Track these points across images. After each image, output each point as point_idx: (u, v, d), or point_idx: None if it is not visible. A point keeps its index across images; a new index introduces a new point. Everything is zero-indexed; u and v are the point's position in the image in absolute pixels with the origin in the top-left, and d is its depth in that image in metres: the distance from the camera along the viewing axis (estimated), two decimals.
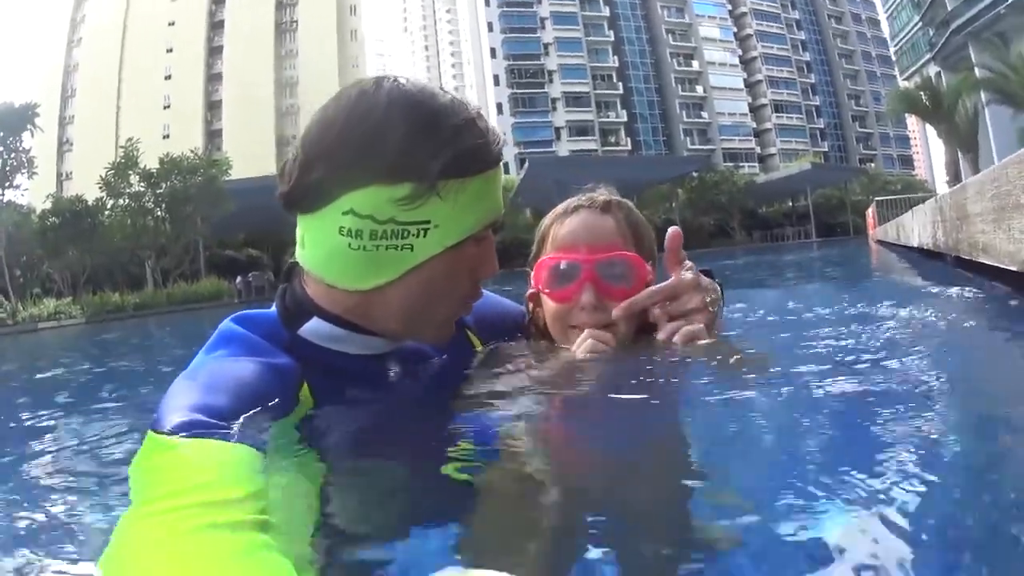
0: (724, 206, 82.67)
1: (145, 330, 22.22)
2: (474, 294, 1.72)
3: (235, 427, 1.22)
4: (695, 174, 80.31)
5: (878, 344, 2.33)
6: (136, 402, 4.53)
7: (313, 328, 1.62)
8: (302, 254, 1.62)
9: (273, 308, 1.68)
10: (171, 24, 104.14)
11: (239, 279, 50.90)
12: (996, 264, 4.48)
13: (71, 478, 2.32)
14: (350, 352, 1.65)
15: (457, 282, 1.63)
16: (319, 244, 1.56)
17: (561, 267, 2.04)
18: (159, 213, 50.08)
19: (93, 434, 3.35)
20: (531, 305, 2.23)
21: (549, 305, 2.09)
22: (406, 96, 1.52)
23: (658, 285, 1.96)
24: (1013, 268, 3.98)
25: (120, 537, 0.97)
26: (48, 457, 2.84)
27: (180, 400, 1.26)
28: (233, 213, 49.93)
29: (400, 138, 1.47)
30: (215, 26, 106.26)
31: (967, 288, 4.65)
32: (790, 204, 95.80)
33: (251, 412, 1.31)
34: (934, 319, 3.06)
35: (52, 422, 4.10)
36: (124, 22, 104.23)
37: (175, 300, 42.57)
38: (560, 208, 2.18)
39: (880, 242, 24.06)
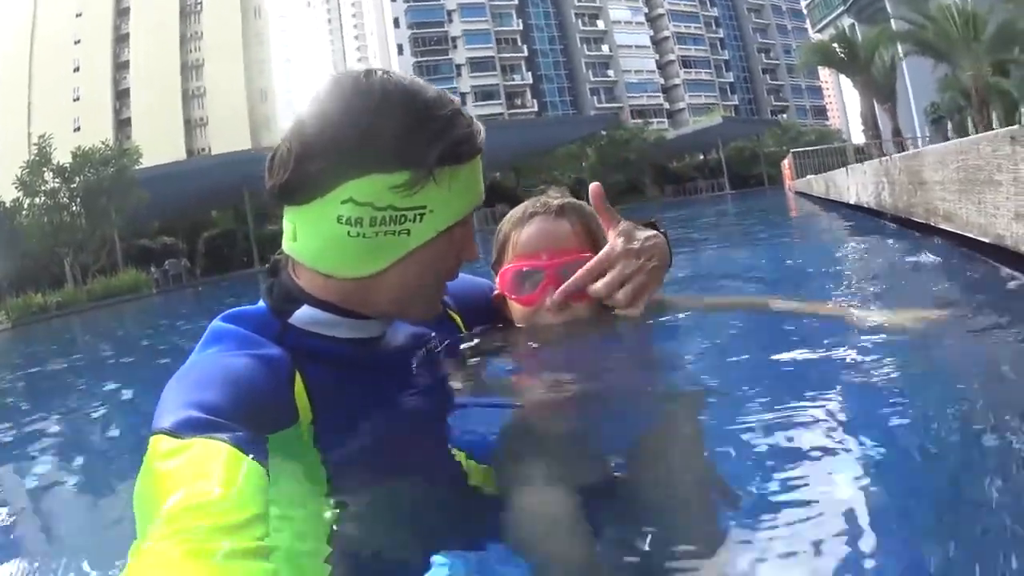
0: (635, 163, 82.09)
1: (72, 332, 22.00)
2: (456, 274, 1.78)
3: (232, 425, 1.22)
4: (604, 132, 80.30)
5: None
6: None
7: (303, 315, 1.63)
8: (293, 246, 1.63)
9: (261, 304, 1.68)
10: (79, 15, 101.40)
11: (154, 269, 50.41)
12: (960, 232, 4.57)
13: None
14: (342, 336, 1.66)
15: (446, 263, 1.70)
16: (315, 235, 1.58)
17: (524, 274, 2.13)
18: (75, 208, 49.42)
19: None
20: (498, 301, 2.29)
21: (516, 308, 2.18)
22: (400, 88, 1.57)
23: (588, 263, 1.97)
24: (985, 240, 4.03)
25: (132, 566, 0.97)
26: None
27: (174, 398, 1.29)
28: (145, 202, 49.26)
29: (398, 128, 1.52)
30: (121, 13, 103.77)
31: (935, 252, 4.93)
32: (702, 158, 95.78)
33: (247, 408, 1.31)
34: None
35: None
36: (33, 15, 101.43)
37: (96, 295, 41.62)
38: (517, 213, 2.26)
39: (800, 194, 24.46)
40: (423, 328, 1.95)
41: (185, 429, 1.17)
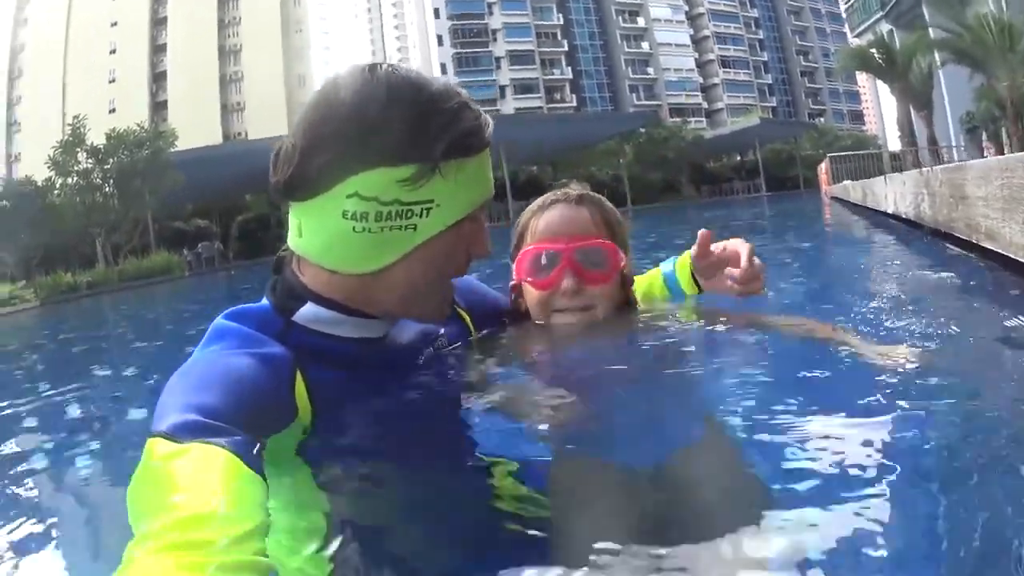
0: (672, 162, 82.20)
1: (101, 311, 22.05)
2: (465, 270, 1.75)
3: (231, 429, 1.22)
4: (642, 130, 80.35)
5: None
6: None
7: (307, 313, 1.63)
8: (298, 242, 1.63)
9: (264, 301, 1.68)
10: None
11: (186, 251, 50.88)
12: (1003, 252, 4.49)
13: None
14: (346, 335, 1.65)
15: (455, 259, 1.68)
16: (320, 230, 1.57)
17: (542, 256, 2.19)
18: (108, 189, 49.94)
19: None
20: (514, 295, 2.35)
21: (532, 293, 2.23)
22: (404, 81, 1.56)
23: (741, 252, 2.21)
24: None
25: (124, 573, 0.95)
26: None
27: (173, 400, 1.29)
28: (180, 184, 49.92)
29: (403, 121, 1.51)
30: None
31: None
32: (739, 159, 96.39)
33: (246, 410, 1.30)
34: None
35: None
36: None
37: (127, 276, 41.91)
38: (536, 204, 2.34)
39: (836, 199, 24.32)
40: (431, 326, 1.92)
41: (183, 433, 1.17)
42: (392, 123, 1.50)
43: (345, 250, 1.56)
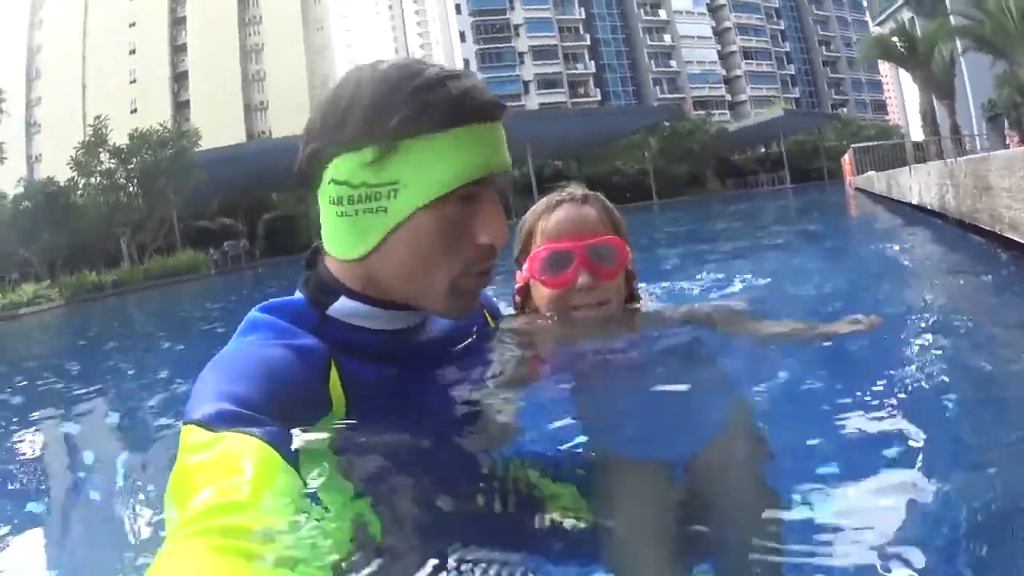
0: (697, 155, 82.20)
1: (127, 311, 22.13)
2: (482, 261, 1.63)
3: (265, 419, 1.23)
4: (667, 123, 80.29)
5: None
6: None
7: (341, 307, 1.62)
8: (322, 235, 1.65)
9: (298, 295, 1.67)
10: None
11: (212, 250, 51.00)
12: None
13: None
14: (379, 328, 1.65)
15: (448, 245, 1.57)
16: (323, 219, 1.61)
17: (555, 255, 2.19)
18: (132, 189, 50.31)
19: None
20: (518, 299, 2.39)
21: (544, 293, 2.22)
22: (376, 70, 1.56)
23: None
24: None
25: (158, 563, 0.97)
26: None
27: (208, 389, 1.30)
28: (205, 183, 50.50)
29: (366, 104, 1.51)
30: None
31: None
32: (763, 151, 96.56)
33: (280, 401, 1.31)
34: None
35: None
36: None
37: (152, 275, 42.26)
38: (541, 206, 2.35)
39: (860, 190, 24.28)
40: (465, 322, 1.91)
41: (217, 422, 1.19)
42: (357, 107, 1.52)
43: (335, 236, 1.59)
